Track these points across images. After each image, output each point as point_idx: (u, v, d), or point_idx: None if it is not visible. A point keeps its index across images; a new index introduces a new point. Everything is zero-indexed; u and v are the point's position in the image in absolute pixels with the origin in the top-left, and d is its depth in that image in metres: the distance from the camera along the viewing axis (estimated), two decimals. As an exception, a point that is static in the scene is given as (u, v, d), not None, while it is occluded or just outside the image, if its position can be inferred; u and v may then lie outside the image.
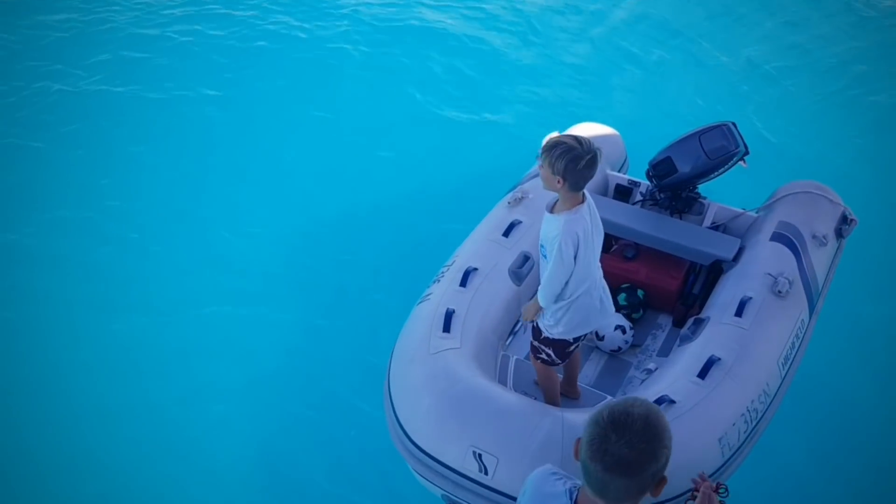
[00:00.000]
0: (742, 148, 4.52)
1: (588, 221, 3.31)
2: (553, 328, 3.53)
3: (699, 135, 4.58)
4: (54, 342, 4.96)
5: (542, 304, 3.45)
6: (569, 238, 3.25)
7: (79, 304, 5.19)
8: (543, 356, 3.64)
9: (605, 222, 3.78)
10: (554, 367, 3.70)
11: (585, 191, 3.38)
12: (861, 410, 4.64)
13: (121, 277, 5.40)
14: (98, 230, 5.73)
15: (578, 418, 3.29)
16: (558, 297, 3.44)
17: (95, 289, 5.30)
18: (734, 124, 4.62)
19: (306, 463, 4.39)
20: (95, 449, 4.39)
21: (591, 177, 3.23)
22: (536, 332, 3.64)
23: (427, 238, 5.61)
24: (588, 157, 3.15)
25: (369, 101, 7.02)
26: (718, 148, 4.53)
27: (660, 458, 1.86)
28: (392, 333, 4.02)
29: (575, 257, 3.32)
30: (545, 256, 3.39)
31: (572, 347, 3.61)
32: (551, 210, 3.39)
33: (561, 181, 3.19)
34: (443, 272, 4.18)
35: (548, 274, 3.36)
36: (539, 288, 3.46)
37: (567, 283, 3.38)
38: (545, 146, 3.23)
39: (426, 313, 3.87)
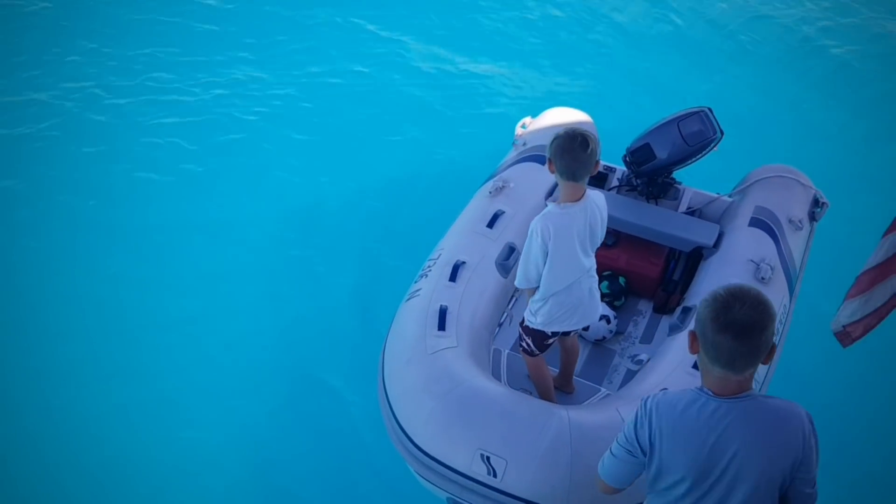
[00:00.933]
0: (719, 133, 4.56)
1: (574, 221, 3.28)
2: (533, 318, 3.54)
3: (678, 121, 4.57)
4: (50, 329, 4.90)
5: (516, 283, 3.53)
6: (539, 229, 3.26)
7: (79, 294, 5.15)
8: (524, 344, 3.66)
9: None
10: (534, 357, 3.69)
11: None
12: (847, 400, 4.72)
13: (120, 260, 5.36)
14: (96, 217, 5.66)
15: (584, 417, 3.28)
16: (540, 291, 3.43)
17: (95, 278, 5.25)
18: (710, 109, 4.64)
19: (305, 448, 4.39)
20: (95, 435, 4.34)
21: (584, 165, 3.17)
22: (522, 318, 3.66)
23: (402, 226, 5.60)
24: (568, 134, 3.15)
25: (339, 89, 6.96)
26: (697, 133, 4.54)
27: (774, 319, 2.15)
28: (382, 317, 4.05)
29: (548, 253, 3.31)
30: None
31: (550, 341, 3.62)
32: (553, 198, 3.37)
33: (551, 164, 3.21)
34: (429, 266, 4.10)
35: (524, 258, 3.42)
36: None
37: (542, 276, 3.38)
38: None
39: (418, 311, 3.79)
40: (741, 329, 2.10)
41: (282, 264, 5.40)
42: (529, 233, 3.31)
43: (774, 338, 2.19)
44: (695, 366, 3.60)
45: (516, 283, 3.52)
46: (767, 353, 2.18)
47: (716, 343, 2.14)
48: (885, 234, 2.95)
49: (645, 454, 2.36)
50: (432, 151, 6.23)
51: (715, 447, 2.23)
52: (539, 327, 3.53)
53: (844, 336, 3.01)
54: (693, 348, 2.26)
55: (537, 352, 3.65)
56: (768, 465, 2.22)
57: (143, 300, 5.09)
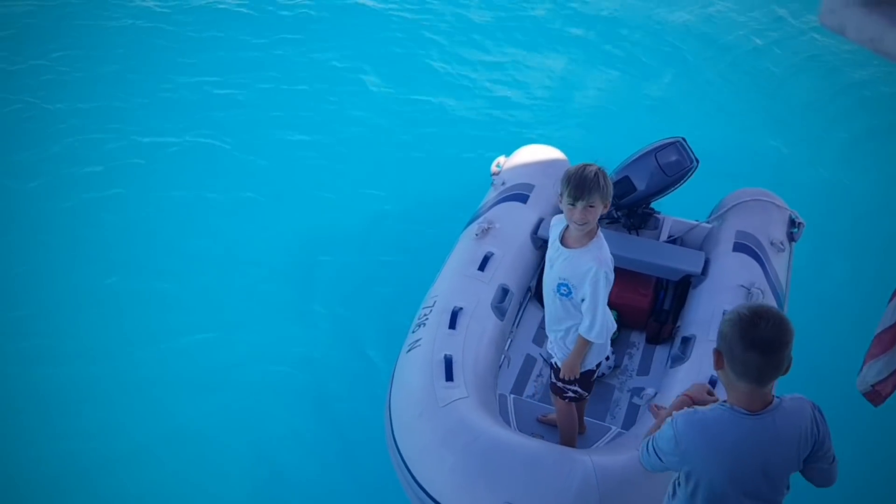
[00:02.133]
0: (695, 162, 4.63)
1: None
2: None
3: (654, 152, 4.63)
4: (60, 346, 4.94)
5: (602, 340, 3.33)
6: (611, 264, 3.22)
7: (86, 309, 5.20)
8: (570, 394, 3.53)
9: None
10: (581, 400, 3.61)
11: None
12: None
13: (126, 279, 5.41)
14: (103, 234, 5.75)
15: (606, 461, 3.23)
16: None
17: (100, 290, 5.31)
18: (684, 139, 4.71)
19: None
20: (101, 454, 4.34)
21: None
22: (558, 371, 3.53)
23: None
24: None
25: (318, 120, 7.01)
26: (674, 163, 4.61)
27: (794, 334, 2.26)
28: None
29: None
30: (566, 295, 3.29)
31: (596, 374, 3.56)
32: (564, 242, 3.30)
33: (608, 205, 3.19)
34: (425, 314, 4.03)
35: (601, 309, 3.25)
36: (583, 329, 3.31)
37: None
38: (591, 182, 3.10)
39: (421, 361, 3.70)
40: (767, 346, 2.22)
41: (285, 297, 5.42)
42: (597, 281, 3.18)
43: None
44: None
45: (597, 339, 3.31)
46: (787, 366, 2.31)
47: (744, 360, 2.24)
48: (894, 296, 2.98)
49: (671, 467, 2.50)
50: (408, 190, 6.25)
51: (752, 463, 2.36)
52: (586, 368, 3.46)
53: (875, 396, 3.04)
54: (718, 365, 2.35)
55: (587, 393, 3.58)
56: (790, 464, 2.43)
57: (147, 324, 5.11)
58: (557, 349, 3.51)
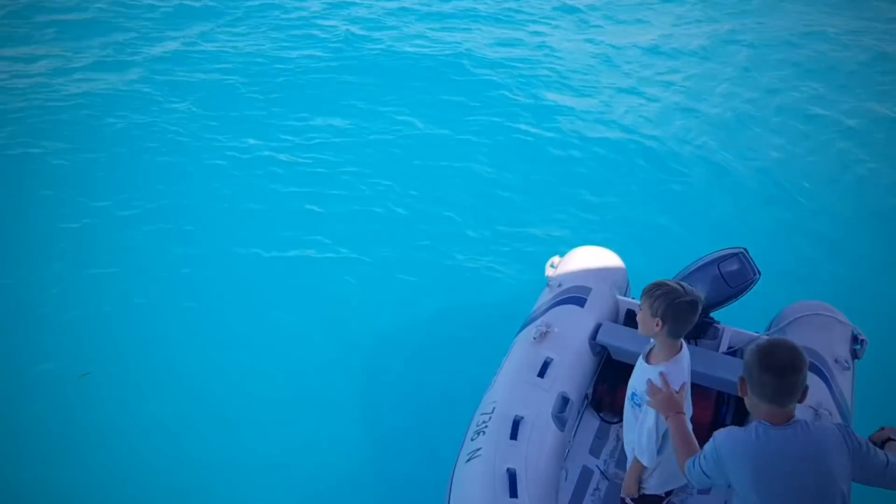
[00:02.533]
0: (757, 274, 4.56)
1: (685, 373, 3.17)
2: (646, 482, 3.32)
3: (717, 262, 4.57)
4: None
5: (647, 464, 3.22)
6: (676, 389, 3.12)
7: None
8: None
9: (622, 352, 3.60)
10: None
11: (683, 340, 3.25)
12: None
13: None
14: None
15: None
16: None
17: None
18: (746, 250, 4.66)
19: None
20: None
21: (692, 325, 3.15)
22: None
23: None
24: (690, 300, 3.08)
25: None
26: (737, 273, 4.54)
27: (806, 362, 2.60)
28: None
29: None
30: (638, 405, 3.21)
31: (665, 502, 3.40)
32: (647, 358, 3.24)
33: (660, 324, 3.08)
34: (484, 421, 3.91)
35: (647, 430, 3.16)
36: (636, 448, 3.23)
37: (664, 434, 3.21)
38: (648, 288, 3.09)
39: (482, 474, 3.58)
40: (782, 369, 2.57)
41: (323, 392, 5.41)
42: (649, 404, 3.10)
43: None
44: None
45: (647, 462, 3.24)
46: (803, 393, 2.62)
47: (761, 381, 2.59)
48: None
49: (715, 480, 2.77)
50: (466, 288, 6.23)
51: (779, 469, 2.60)
52: (653, 492, 3.33)
53: None
54: (743, 391, 2.69)
55: None
56: (824, 474, 2.60)
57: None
58: (630, 460, 3.40)
